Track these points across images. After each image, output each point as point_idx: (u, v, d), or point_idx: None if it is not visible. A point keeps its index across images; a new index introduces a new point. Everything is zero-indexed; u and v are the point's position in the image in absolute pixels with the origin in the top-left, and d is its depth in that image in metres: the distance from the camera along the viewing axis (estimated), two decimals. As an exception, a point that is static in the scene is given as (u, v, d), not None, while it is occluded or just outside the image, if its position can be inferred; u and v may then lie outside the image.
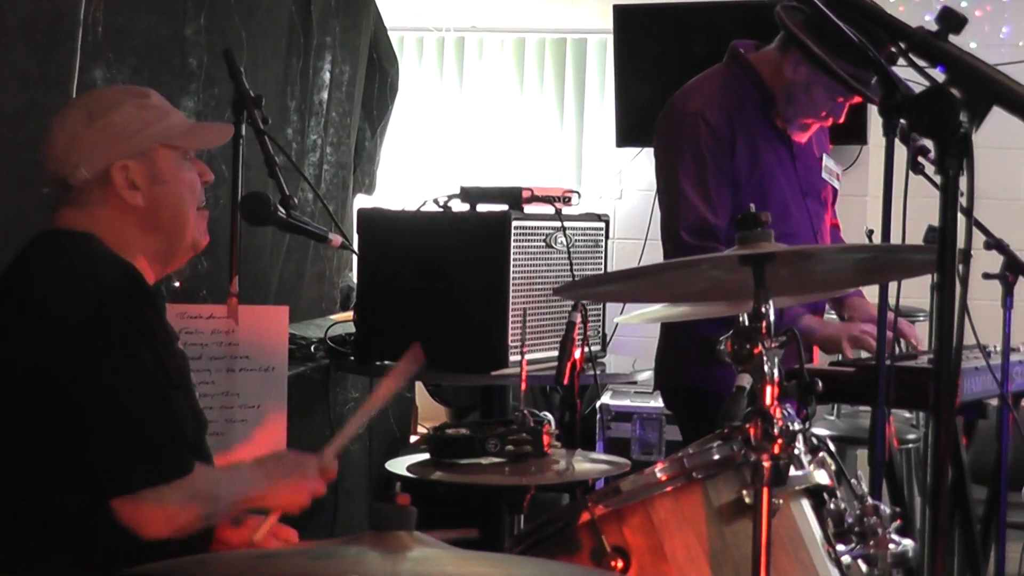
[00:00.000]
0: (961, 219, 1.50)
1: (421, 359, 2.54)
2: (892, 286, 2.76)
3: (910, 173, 2.64)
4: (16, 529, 2.24)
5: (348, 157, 5.09)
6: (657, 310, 2.68)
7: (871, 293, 3.15)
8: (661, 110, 3.59)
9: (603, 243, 3.99)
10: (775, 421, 1.92)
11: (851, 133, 5.49)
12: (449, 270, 3.66)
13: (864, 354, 3.40)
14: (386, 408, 4.48)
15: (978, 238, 3.34)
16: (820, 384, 2.09)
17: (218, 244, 2.59)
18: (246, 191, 3.19)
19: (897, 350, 3.23)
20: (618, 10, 6.05)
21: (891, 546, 2.21)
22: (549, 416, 2.59)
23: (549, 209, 3.77)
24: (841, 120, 3.54)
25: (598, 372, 3.69)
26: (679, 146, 3.47)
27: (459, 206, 3.77)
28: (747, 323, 2.01)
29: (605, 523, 2.09)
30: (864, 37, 1.70)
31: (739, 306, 2.19)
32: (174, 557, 1.81)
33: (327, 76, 4.72)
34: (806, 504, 2.19)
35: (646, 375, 3.93)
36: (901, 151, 2.52)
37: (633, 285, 2.39)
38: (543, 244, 3.75)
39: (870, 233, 4.63)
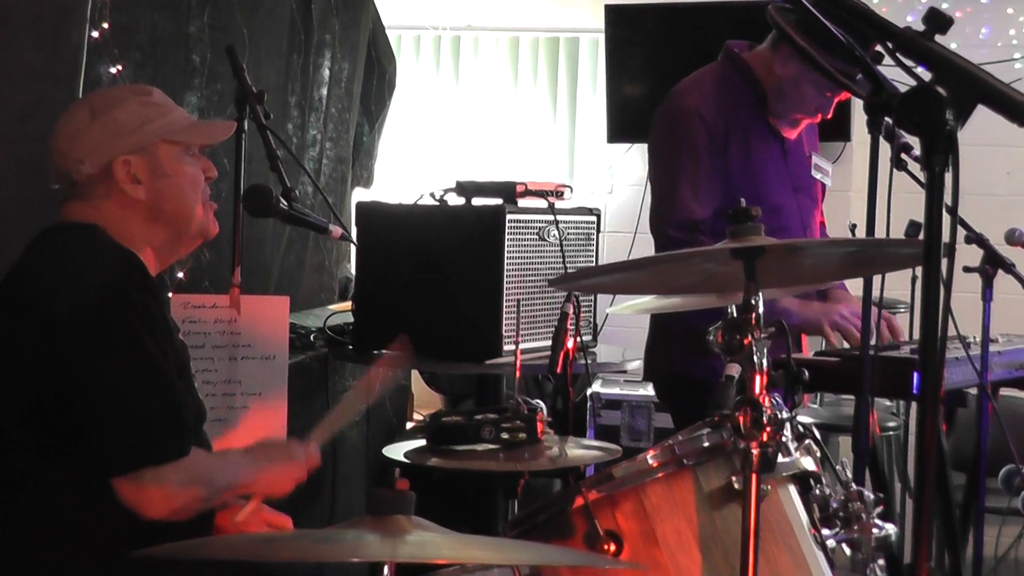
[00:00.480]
0: (945, 215, 1.51)
1: (409, 352, 2.56)
2: (876, 279, 2.79)
3: (893, 170, 2.70)
4: (22, 515, 2.27)
5: (347, 151, 5.09)
6: (647, 301, 2.69)
7: (855, 286, 3.19)
8: (658, 105, 3.60)
9: (595, 236, 4.01)
10: (764, 409, 1.94)
11: (835, 130, 5.53)
12: (445, 262, 3.69)
13: (847, 344, 3.44)
14: (383, 396, 4.52)
15: (959, 232, 3.38)
16: (807, 374, 2.11)
17: (220, 236, 2.60)
18: (248, 184, 3.21)
19: (876, 340, 3.27)
20: (609, 10, 6.09)
21: (874, 531, 2.24)
22: (542, 404, 2.61)
23: (542, 203, 3.79)
24: (829, 115, 3.58)
25: (589, 361, 3.75)
26: (675, 142, 3.50)
27: (455, 200, 3.80)
28: (736, 314, 2.02)
29: (598, 508, 2.11)
30: (851, 36, 1.70)
31: (728, 298, 2.20)
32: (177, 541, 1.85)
33: (327, 73, 4.72)
34: (793, 490, 2.21)
35: (635, 364, 3.95)
36: (884, 147, 2.58)
37: (626, 277, 2.39)
38: (536, 237, 3.77)
39: (853, 227, 4.67)
